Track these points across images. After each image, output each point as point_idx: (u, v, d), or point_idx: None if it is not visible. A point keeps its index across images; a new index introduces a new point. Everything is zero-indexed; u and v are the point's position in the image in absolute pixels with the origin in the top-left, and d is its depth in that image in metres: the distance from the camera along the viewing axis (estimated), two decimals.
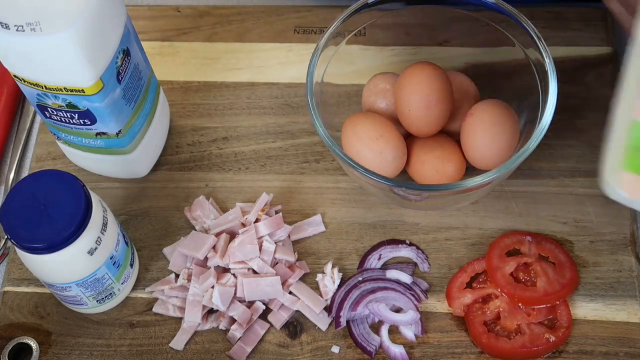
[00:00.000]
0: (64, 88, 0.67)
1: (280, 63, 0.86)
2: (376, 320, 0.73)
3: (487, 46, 0.77)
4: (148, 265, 0.77)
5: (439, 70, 0.72)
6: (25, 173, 0.83)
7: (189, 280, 0.74)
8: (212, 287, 0.73)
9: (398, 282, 0.74)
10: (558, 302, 0.72)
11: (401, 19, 0.78)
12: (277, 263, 0.75)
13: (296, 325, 0.73)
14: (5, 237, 0.66)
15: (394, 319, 0.72)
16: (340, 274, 0.75)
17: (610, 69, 0.83)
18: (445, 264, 0.75)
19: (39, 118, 0.86)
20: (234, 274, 0.74)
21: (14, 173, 0.83)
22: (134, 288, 0.75)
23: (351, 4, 0.75)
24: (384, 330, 0.72)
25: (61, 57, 0.65)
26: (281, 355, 0.72)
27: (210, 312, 0.74)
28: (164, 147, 0.82)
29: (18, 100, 0.87)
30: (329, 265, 0.75)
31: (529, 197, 0.78)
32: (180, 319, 0.74)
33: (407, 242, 0.76)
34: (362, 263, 0.75)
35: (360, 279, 0.74)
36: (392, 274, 0.74)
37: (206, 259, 0.75)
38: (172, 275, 0.76)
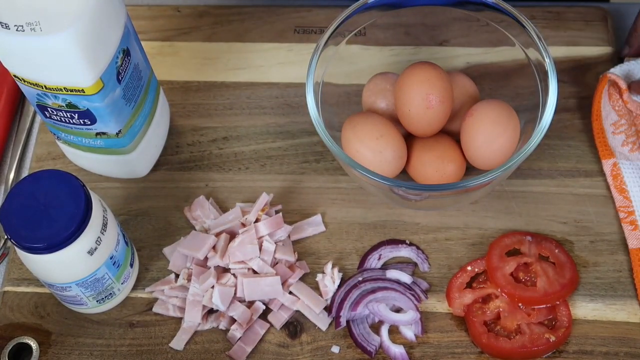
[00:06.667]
0: (64, 88, 0.67)
1: (280, 63, 0.86)
2: (376, 320, 0.73)
3: (487, 46, 0.77)
4: (148, 265, 0.77)
5: (439, 70, 0.72)
6: (25, 173, 0.83)
7: (189, 280, 0.74)
8: (212, 287, 0.73)
9: (398, 282, 0.74)
10: (558, 302, 0.72)
11: (401, 19, 0.78)
12: (277, 263, 0.75)
13: (296, 325, 0.73)
14: (5, 237, 0.66)
15: (394, 319, 0.72)
16: (340, 274, 0.75)
17: (610, 69, 0.83)
18: (445, 264, 0.75)
19: (39, 118, 0.86)
20: (234, 274, 0.74)
21: (14, 173, 0.83)
22: (134, 288, 0.75)
23: (351, 4, 0.75)
24: (384, 330, 0.72)
25: (61, 57, 0.65)
26: (281, 355, 0.72)
27: (210, 312, 0.74)
28: (164, 147, 0.82)
29: (18, 100, 0.87)
30: (329, 265, 0.75)
31: (529, 197, 0.78)
32: (180, 319, 0.74)
33: (407, 242, 0.76)
34: (362, 263, 0.75)
35: (360, 279, 0.74)
36: (392, 274, 0.74)
37: (206, 259, 0.75)
38: (172, 275, 0.76)
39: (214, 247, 0.75)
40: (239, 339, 0.72)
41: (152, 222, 0.79)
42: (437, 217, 0.77)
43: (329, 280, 0.74)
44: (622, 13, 0.88)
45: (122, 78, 0.70)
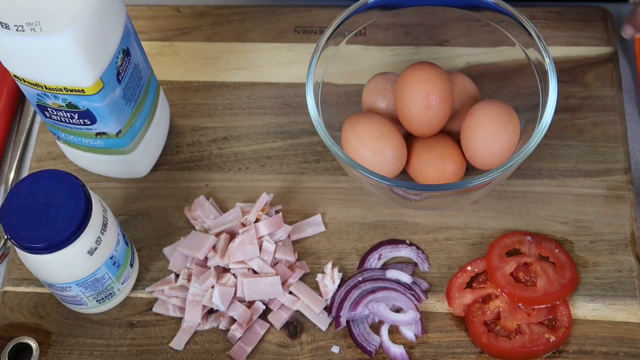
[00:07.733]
0: (64, 88, 0.67)
1: (280, 63, 0.86)
2: (376, 320, 0.73)
3: (487, 46, 0.77)
4: (148, 265, 0.77)
5: (439, 70, 0.72)
6: (25, 173, 0.83)
7: (189, 280, 0.74)
8: (212, 287, 0.73)
9: (398, 282, 0.74)
10: (558, 302, 0.72)
11: (401, 19, 0.78)
12: (277, 263, 0.75)
13: (296, 325, 0.73)
14: (5, 237, 0.66)
15: (394, 319, 0.72)
16: (340, 274, 0.75)
17: (610, 69, 0.83)
18: (445, 264, 0.75)
19: (39, 118, 0.86)
20: (234, 274, 0.74)
21: (14, 173, 0.83)
22: (134, 288, 0.75)
23: (351, 4, 0.75)
24: (384, 330, 0.72)
25: (61, 57, 0.65)
26: (281, 355, 0.72)
27: (210, 312, 0.74)
28: (164, 147, 0.82)
29: (18, 100, 0.87)
30: (329, 265, 0.75)
31: (529, 197, 0.78)
32: (180, 319, 0.74)
33: (407, 242, 0.76)
34: (362, 263, 0.75)
35: (360, 279, 0.74)
36: (392, 274, 0.74)
37: (206, 259, 0.75)
38: (172, 275, 0.76)
39: (214, 247, 0.75)
40: (239, 339, 0.72)
41: (152, 222, 0.79)
42: (437, 217, 0.77)
43: (329, 280, 0.74)
44: (622, 13, 0.88)
45: (122, 78, 0.70)
